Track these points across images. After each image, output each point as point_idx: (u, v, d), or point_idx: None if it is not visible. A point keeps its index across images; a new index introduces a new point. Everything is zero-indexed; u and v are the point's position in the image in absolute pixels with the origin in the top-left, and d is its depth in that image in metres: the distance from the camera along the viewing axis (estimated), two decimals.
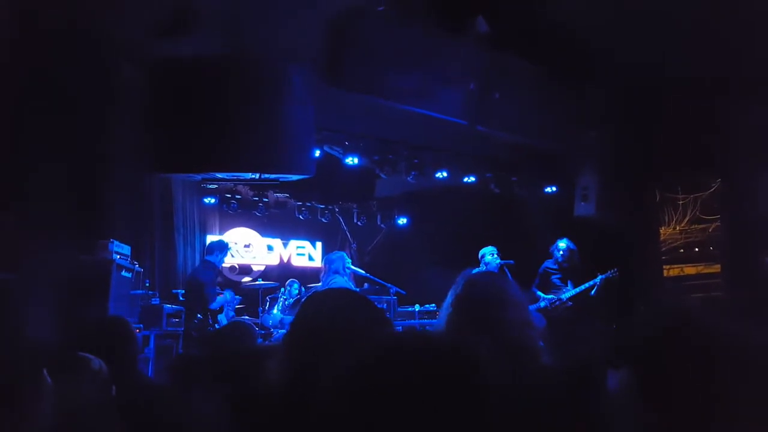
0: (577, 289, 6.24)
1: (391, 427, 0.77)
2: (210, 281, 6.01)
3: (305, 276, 7.95)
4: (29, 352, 1.16)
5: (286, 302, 6.81)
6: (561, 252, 6.32)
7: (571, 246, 6.33)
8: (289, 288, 6.96)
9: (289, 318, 6.40)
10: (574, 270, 6.35)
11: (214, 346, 2.98)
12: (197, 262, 7.98)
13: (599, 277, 6.19)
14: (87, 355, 1.94)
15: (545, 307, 6.26)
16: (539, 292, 6.39)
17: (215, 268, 6.28)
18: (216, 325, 5.88)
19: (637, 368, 1.00)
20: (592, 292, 6.19)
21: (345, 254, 6.42)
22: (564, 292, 6.27)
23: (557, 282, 6.39)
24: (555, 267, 6.41)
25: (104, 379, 1.94)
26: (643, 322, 1.08)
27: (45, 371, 1.20)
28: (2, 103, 3.74)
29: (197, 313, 5.81)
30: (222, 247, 6.36)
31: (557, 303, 6.25)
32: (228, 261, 8.17)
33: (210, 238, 8.25)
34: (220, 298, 6.05)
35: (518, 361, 1.48)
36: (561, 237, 6.42)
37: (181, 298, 6.63)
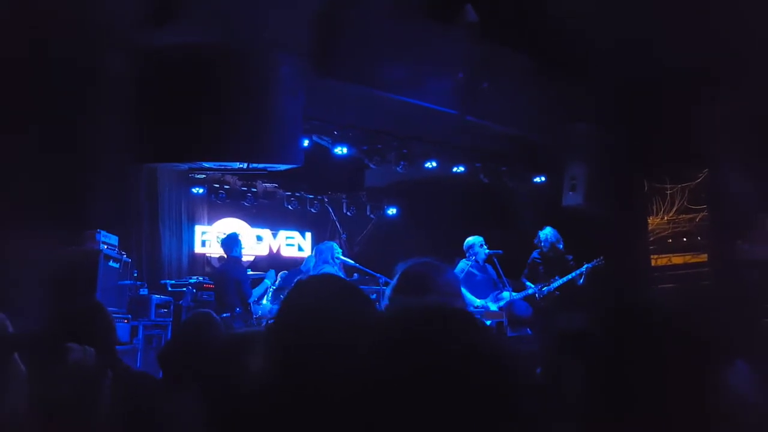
0: (564, 279, 6.29)
1: (387, 414, 0.76)
2: (246, 278, 6.13)
3: (295, 266, 7.94)
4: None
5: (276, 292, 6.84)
6: (543, 242, 6.40)
7: (553, 235, 6.41)
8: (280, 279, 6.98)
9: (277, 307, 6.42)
10: (559, 259, 6.41)
11: (179, 338, 2.96)
12: (184, 253, 7.96)
13: (585, 265, 6.25)
14: (72, 345, 1.92)
15: (533, 294, 6.31)
16: (528, 282, 6.45)
17: (242, 262, 6.39)
18: (259, 312, 6.20)
19: (589, 356, 1.01)
20: (580, 280, 6.25)
21: (335, 244, 6.42)
22: (552, 282, 6.32)
23: (543, 271, 6.45)
24: (540, 257, 6.48)
25: (92, 369, 1.93)
26: (605, 314, 1.08)
27: (16, 357, 1.19)
28: None
29: (236, 307, 5.89)
30: (236, 240, 6.41)
31: (545, 292, 6.30)
32: (216, 251, 8.14)
33: (199, 229, 8.21)
34: (256, 290, 6.25)
35: None
36: (545, 227, 6.50)
37: (170, 289, 6.63)
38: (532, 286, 6.39)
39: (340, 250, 6.35)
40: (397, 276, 1.76)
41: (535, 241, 6.50)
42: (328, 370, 0.97)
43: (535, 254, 6.53)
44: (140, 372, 4.06)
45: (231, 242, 6.40)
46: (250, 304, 6.01)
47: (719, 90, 5.48)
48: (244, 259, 8.47)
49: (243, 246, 6.62)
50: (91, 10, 4.14)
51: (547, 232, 6.43)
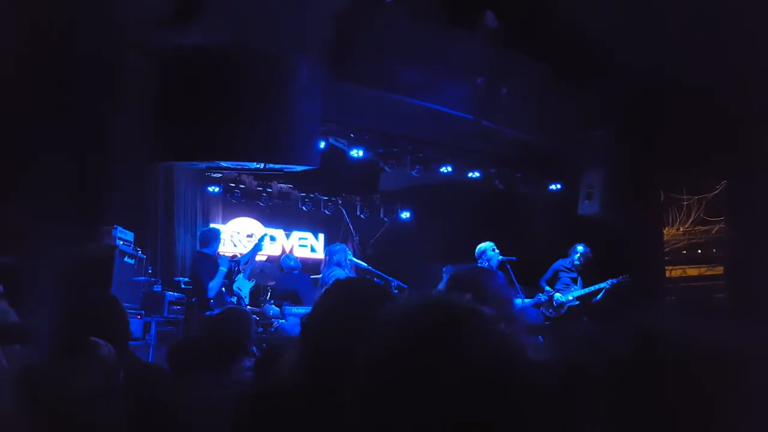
0: (585, 290, 6.26)
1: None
2: (204, 273, 5.95)
3: (306, 267, 7.97)
4: None
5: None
6: (578, 255, 6.39)
7: (588, 251, 6.42)
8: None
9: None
10: (586, 273, 6.41)
11: (210, 333, 2.98)
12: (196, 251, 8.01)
13: (609, 281, 6.19)
14: (97, 340, 1.94)
15: (545, 302, 6.28)
16: (547, 287, 6.42)
17: (209, 258, 6.18)
18: (270, 312, 6.13)
19: (612, 376, 0.99)
20: (599, 296, 6.21)
21: (346, 246, 6.43)
22: (572, 291, 6.30)
23: (567, 281, 6.43)
24: (569, 267, 6.46)
25: (112, 365, 1.95)
26: (621, 335, 1.07)
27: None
28: (6, 91, 3.74)
29: (199, 304, 5.85)
30: (213, 236, 6.26)
31: (561, 301, 6.27)
32: (230, 250, 8.18)
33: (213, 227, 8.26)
34: (212, 284, 5.96)
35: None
36: (580, 242, 6.51)
37: (183, 287, 6.67)
38: (549, 289, 6.36)
39: (350, 253, 6.37)
40: (445, 279, 1.75)
41: (570, 252, 6.49)
42: (351, 372, 0.97)
43: (563, 262, 6.50)
44: (153, 365, 4.08)
45: (206, 237, 6.26)
46: (208, 300, 5.83)
47: (741, 99, 5.42)
48: (257, 258, 8.49)
49: (218, 245, 6.35)
50: (111, 8, 4.20)
51: (583, 246, 6.45)
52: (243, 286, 6.29)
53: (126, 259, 5.51)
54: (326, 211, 8.68)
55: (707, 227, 8.20)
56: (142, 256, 5.83)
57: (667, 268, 7.96)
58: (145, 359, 5.26)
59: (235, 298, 6.14)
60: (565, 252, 6.59)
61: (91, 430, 1.73)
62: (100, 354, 1.86)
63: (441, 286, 1.80)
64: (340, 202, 8.69)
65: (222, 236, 8.14)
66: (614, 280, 6.19)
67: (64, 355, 1.74)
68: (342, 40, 4.68)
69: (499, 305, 1.68)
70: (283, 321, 6.29)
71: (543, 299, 6.32)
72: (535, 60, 5.79)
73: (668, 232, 8.24)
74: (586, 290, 6.26)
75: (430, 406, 0.76)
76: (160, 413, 2.13)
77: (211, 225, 8.21)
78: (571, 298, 6.29)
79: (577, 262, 6.44)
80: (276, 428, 1.30)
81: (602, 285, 6.20)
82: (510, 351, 0.84)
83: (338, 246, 6.37)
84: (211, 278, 5.93)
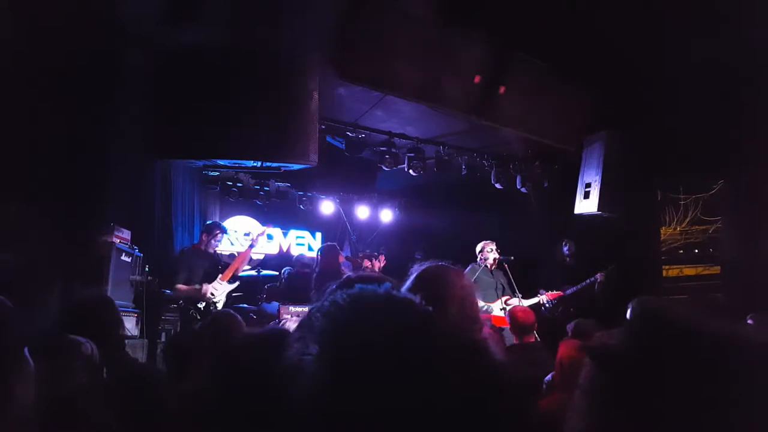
0: (577, 287, 6.31)
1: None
2: (175, 266, 5.86)
3: (303, 266, 7.96)
4: (8, 331, 1.14)
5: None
6: (567, 246, 6.51)
7: (574, 247, 6.52)
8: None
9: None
10: (577, 269, 6.49)
11: (202, 337, 2.98)
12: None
13: (598, 274, 6.30)
14: (78, 338, 1.93)
15: (545, 302, 6.31)
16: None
17: (185, 252, 6.06)
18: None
19: (610, 369, 0.99)
20: (596, 288, 6.32)
21: (335, 245, 6.47)
22: (566, 290, 6.35)
23: (561, 280, 6.49)
24: (559, 266, 6.54)
25: (95, 363, 1.94)
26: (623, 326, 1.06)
27: (26, 351, 1.18)
28: (8, 91, 3.73)
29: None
30: (210, 229, 6.08)
31: (555, 301, 6.30)
32: (227, 249, 8.17)
33: None
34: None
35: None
36: (567, 238, 6.61)
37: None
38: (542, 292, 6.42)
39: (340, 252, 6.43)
40: (411, 278, 1.72)
41: (560, 249, 6.62)
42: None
43: (552, 262, 6.61)
44: (146, 364, 4.08)
45: (207, 228, 6.10)
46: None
47: (740, 98, 5.43)
48: (254, 257, 8.41)
49: (211, 239, 6.02)
50: (115, 6, 4.18)
51: (570, 243, 6.64)
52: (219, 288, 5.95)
53: (123, 257, 5.49)
54: (323, 210, 8.68)
55: (704, 227, 8.19)
56: (138, 254, 5.81)
57: (664, 267, 7.98)
58: (140, 357, 5.25)
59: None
60: (558, 250, 6.70)
61: (75, 429, 1.72)
62: (81, 352, 1.85)
63: (407, 284, 1.77)
64: (337, 200, 8.69)
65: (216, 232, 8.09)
66: (602, 272, 6.32)
67: (46, 355, 1.73)
68: (341, 38, 4.67)
69: (463, 305, 1.67)
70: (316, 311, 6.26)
71: (538, 299, 6.35)
72: (533, 58, 5.79)
73: (665, 231, 8.24)
74: (578, 287, 6.35)
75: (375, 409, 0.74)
76: (155, 414, 2.12)
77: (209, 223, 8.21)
78: (566, 295, 6.36)
79: (567, 253, 6.58)
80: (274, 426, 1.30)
81: (593, 279, 6.31)
82: (456, 351, 0.82)
83: (328, 245, 6.40)
84: (178, 272, 5.73)
